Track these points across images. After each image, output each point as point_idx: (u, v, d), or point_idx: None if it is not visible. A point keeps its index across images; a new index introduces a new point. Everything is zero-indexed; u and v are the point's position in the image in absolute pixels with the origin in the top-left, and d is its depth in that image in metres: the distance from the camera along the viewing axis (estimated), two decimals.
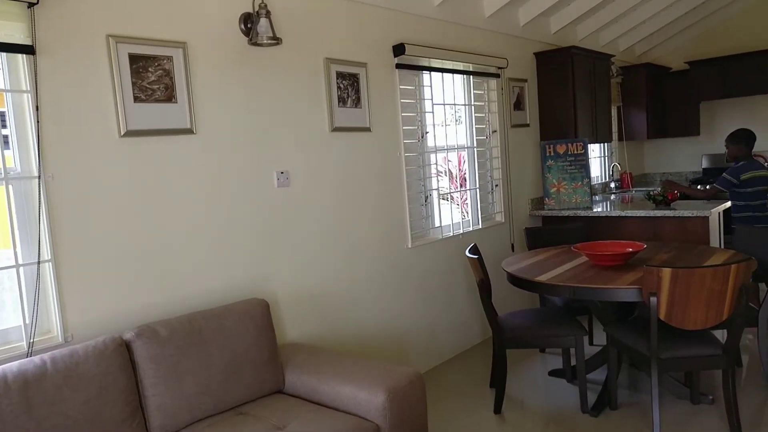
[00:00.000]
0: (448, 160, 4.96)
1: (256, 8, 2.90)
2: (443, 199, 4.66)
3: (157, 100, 2.55)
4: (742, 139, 4.93)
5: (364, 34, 3.71)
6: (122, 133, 2.45)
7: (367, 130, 3.73)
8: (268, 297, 3.10)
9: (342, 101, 3.54)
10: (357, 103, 3.65)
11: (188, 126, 2.69)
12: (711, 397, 3.39)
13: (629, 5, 5.76)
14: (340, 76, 3.53)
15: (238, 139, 2.98)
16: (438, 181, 4.38)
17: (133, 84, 2.45)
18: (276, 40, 2.93)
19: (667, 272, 2.76)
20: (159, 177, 2.64)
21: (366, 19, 3.72)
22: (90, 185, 2.42)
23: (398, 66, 3.95)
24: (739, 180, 4.89)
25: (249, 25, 2.96)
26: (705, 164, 7.35)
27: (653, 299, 2.81)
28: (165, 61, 2.57)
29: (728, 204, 5.02)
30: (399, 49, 3.89)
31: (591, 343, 4.39)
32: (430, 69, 4.25)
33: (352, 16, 3.63)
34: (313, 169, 3.38)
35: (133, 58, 2.46)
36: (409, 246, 4.04)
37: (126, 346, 2.26)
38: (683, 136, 7.36)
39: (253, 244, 3.05)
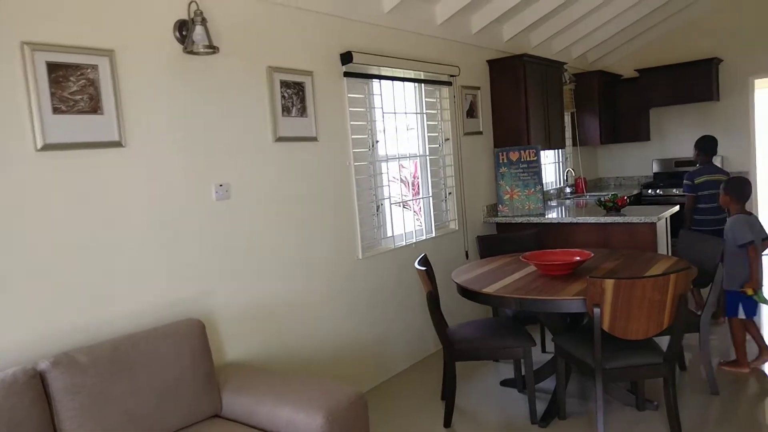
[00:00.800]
0: (403, 167, 4.92)
1: (192, 15, 2.80)
2: (404, 207, 4.61)
3: (80, 112, 2.42)
4: (700, 145, 5.12)
5: (310, 41, 3.63)
6: (39, 147, 2.31)
7: (314, 139, 3.65)
8: (207, 316, 2.99)
9: (286, 110, 3.46)
10: (303, 112, 3.57)
11: (116, 138, 2.57)
12: (656, 403, 3.42)
13: (581, 13, 5.82)
14: (285, 84, 3.44)
15: (173, 152, 2.87)
16: (390, 189, 4.32)
17: (52, 95, 2.32)
18: (213, 49, 2.83)
19: (609, 284, 2.76)
20: (83, 192, 2.50)
21: (312, 27, 3.65)
22: (4, 201, 2.27)
23: (346, 74, 3.88)
24: (694, 183, 5.03)
25: (184, 33, 2.85)
26: (656, 169, 7.48)
27: (597, 310, 2.81)
28: (89, 70, 2.45)
29: (676, 209, 5.10)
30: (347, 57, 3.83)
31: (543, 350, 4.40)
32: (380, 77, 4.20)
33: (298, 23, 3.55)
34: (256, 180, 3.29)
35: (52, 67, 2.33)
36: (360, 257, 3.97)
37: (40, 378, 2.12)
38: (635, 141, 7.49)
39: (189, 260, 2.93)
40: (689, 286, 2.90)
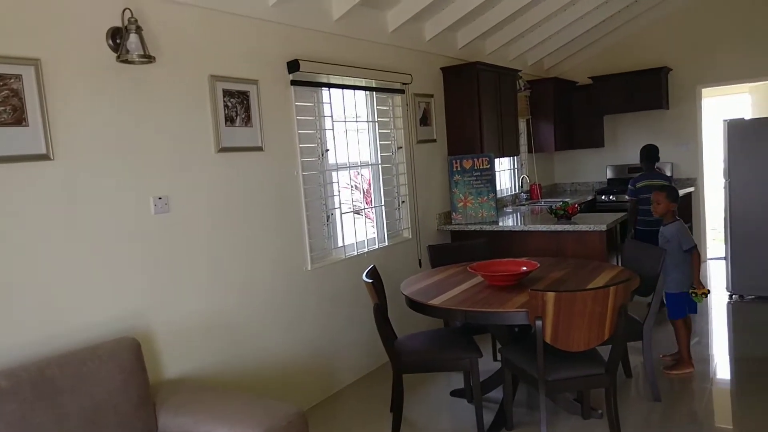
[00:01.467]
0: (360, 174, 4.88)
1: (125, 23, 2.71)
2: (356, 214, 4.57)
3: (3, 124, 2.32)
4: (642, 153, 5.45)
5: (255, 49, 3.57)
6: None
7: (260, 149, 3.59)
8: (145, 332, 2.89)
9: (230, 120, 3.39)
10: (247, 121, 3.50)
11: (43, 151, 2.47)
12: (600, 411, 3.45)
13: (535, 21, 5.88)
14: (228, 93, 3.37)
15: (107, 164, 2.77)
16: (340, 198, 4.27)
17: None
18: (148, 58, 2.75)
19: (551, 296, 2.77)
20: (9, 208, 2.40)
21: (257, 35, 3.59)
22: None
23: (294, 83, 3.83)
24: (635, 188, 5.28)
25: (118, 41, 2.76)
26: (609, 174, 7.61)
27: (539, 323, 2.82)
28: (12, 80, 2.34)
29: (624, 215, 5.18)
30: (293, 66, 3.77)
31: (495, 359, 4.40)
32: (330, 85, 4.15)
33: (242, 31, 3.48)
34: (199, 192, 3.21)
35: None
36: (309, 268, 3.91)
37: None
38: (589, 148, 7.61)
39: (125, 276, 2.84)
40: (629, 297, 2.93)
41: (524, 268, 3.50)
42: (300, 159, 3.88)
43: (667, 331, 4.37)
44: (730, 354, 4.41)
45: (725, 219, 5.61)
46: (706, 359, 4.26)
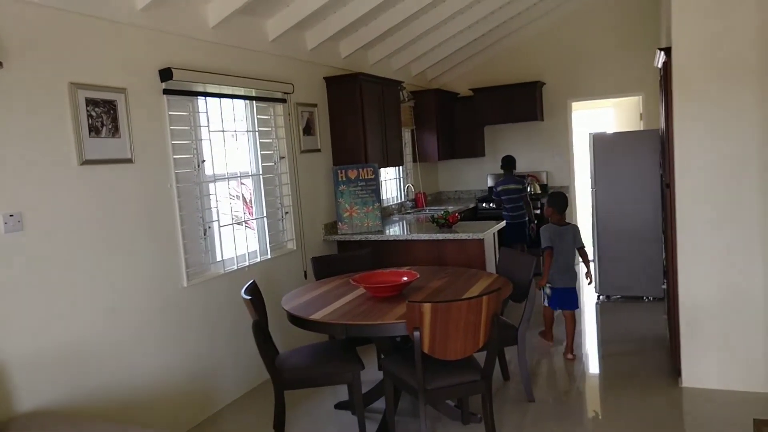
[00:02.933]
0: (242, 184, 4.74)
1: None
2: (239, 225, 4.42)
3: None
4: (503, 162, 6.76)
5: (123, 56, 3.37)
6: None
7: (129, 161, 3.38)
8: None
9: (95, 131, 3.17)
10: (114, 132, 3.29)
11: None
12: (479, 416, 3.56)
13: (417, 33, 6.02)
14: (92, 102, 3.15)
15: None
16: (218, 211, 4.13)
17: None
18: None
19: (427, 307, 2.82)
20: None
21: (126, 41, 3.39)
22: None
23: (166, 92, 3.65)
24: (498, 190, 6.68)
25: None
26: (490, 182, 7.95)
27: (417, 334, 2.86)
28: None
29: (503, 224, 5.43)
30: (166, 74, 3.60)
31: (380, 368, 4.42)
32: (206, 94, 4.01)
33: (108, 36, 3.27)
34: (58, 208, 2.97)
35: None
36: (185, 285, 3.74)
37: None
38: (471, 157, 7.91)
39: None
40: (500, 306, 3.06)
41: (405, 279, 3.56)
42: (174, 171, 3.71)
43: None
44: (598, 352, 4.74)
45: (592, 224, 6.03)
46: (577, 358, 4.54)
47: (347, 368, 3.29)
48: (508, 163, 6.67)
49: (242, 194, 4.75)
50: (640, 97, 7.27)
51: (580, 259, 4.66)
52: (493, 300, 2.93)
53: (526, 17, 7.10)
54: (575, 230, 4.62)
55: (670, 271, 4.06)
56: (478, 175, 8.11)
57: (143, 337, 3.42)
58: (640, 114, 7.36)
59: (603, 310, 5.81)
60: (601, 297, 6.06)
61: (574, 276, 4.60)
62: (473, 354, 3.11)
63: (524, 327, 3.71)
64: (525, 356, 3.74)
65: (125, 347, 3.30)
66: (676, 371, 3.94)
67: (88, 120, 3.13)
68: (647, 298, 5.88)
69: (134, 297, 3.38)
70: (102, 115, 3.21)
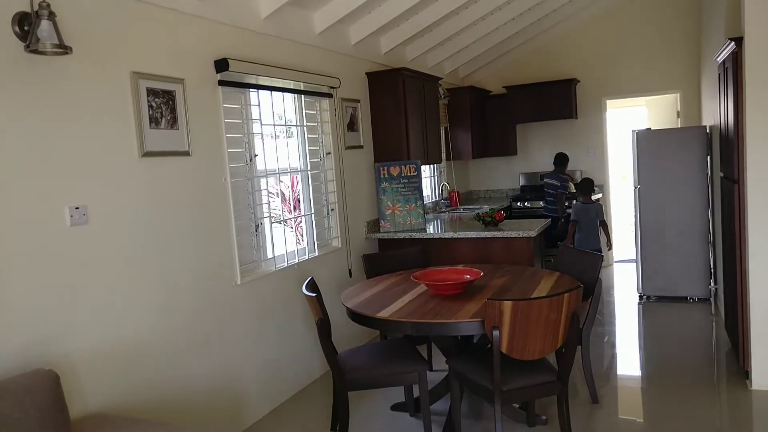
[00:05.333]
0: (280, 181, 4.64)
1: (36, 7, 2.36)
2: (278, 223, 4.32)
3: None
4: (555, 159, 6.92)
5: (181, 46, 3.27)
6: None
7: (186, 154, 3.29)
8: (62, 362, 2.53)
9: (155, 122, 3.07)
10: (173, 124, 3.19)
11: None
12: (544, 417, 3.46)
13: (454, 30, 5.92)
14: (152, 93, 3.05)
15: (12, 169, 2.39)
16: (270, 206, 4.03)
17: None
18: (64, 49, 2.41)
19: (508, 305, 2.71)
20: None
21: (183, 30, 3.29)
22: None
23: (221, 83, 3.56)
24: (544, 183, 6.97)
25: (26, 28, 2.40)
26: (522, 182, 7.84)
27: (496, 333, 2.75)
28: None
29: (548, 222, 5.30)
30: (222, 65, 3.50)
31: (431, 369, 4.30)
32: (258, 87, 3.91)
33: (167, 25, 3.18)
34: (120, 201, 2.87)
35: None
36: (239, 282, 3.64)
37: None
38: (503, 156, 7.79)
39: (37, 298, 2.46)
40: (580, 303, 2.94)
41: (467, 276, 3.44)
42: (228, 165, 3.61)
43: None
44: (652, 353, 4.61)
45: (635, 223, 5.90)
46: (630, 360, 4.42)
47: (414, 368, 3.17)
48: (558, 159, 6.87)
49: (281, 191, 4.65)
50: (677, 94, 7.13)
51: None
52: (574, 297, 2.81)
53: (560, 14, 6.98)
54: (598, 207, 5.98)
55: (733, 272, 3.93)
56: (510, 174, 7.99)
57: (199, 335, 3.32)
58: (677, 112, 7.22)
59: (647, 310, 5.68)
60: (643, 297, 5.92)
61: (596, 241, 5.92)
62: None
63: (589, 327, 3.59)
64: (589, 357, 3.62)
65: (183, 344, 3.20)
66: (743, 373, 3.80)
67: (149, 111, 3.03)
68: (692, 298, 5.74)
69: (191, 292, 3.28)
70: (161, 106, 3.12)
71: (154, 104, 3.07)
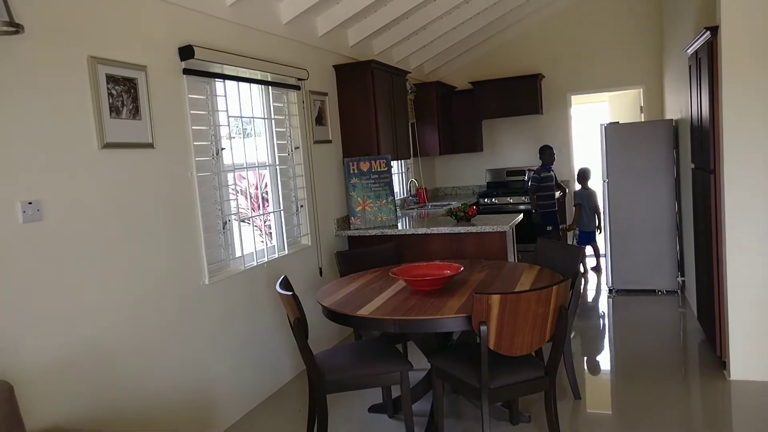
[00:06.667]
0: (243, 178, 4.43)
1: None
2: (245, 221, 4.12)
3: None
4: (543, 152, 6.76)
5: (143, 31, 3.06)
6: None
7: (150, 146, 3.08)
8: (17, 372, 2.30)
9: (116, 111, 2.85)
10: (135, 113, 2.98)
11: None
12: (528, 415, 3.38)
13: (420, 24, 5.83)
14: (113, 80, 2.84)
15: None
16: (237, 203, 3.84)
17: None
18: (15, 27, 2.19)
19: (496, 299, 2.61)
20: None
21: (146, 14, 3.08)
22: None
23: (186, 71, 3.36)
24: (539, 177, 6.60)
25: None
26: (489, 178, 7.80)
27: (483, 328, 2.64)
28: None
29: (521, 217, 5.25)
30: (187, 52, 3.30)
31: (412, 368, 4.18)
32: (224, 77, 3.72)
33: (129, 8, 2.97)
34: (79, 196, 2.65)
35: None
36: (207, 282, 3.44)
37: None
38: (469, 152, 7.73)
39: None
40: (568, 297, 2.86)
41: (447, 272, 3.34)
42: (194, 158, 3.41)
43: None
44: (618, 345, 4.60)
45: (605, 218, 5.92)
46: (606, 353, 4.40)
47: (395, 368, 3.04)
48: (540, 153, 6.76)
49: (248, 187, 4.45)
50: (641, 90, 7.22)
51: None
52: (562, 290, 2.73)
53: (525, 9, 6.98)
54: (594, 194, 6.81)
55: (707, 263, 3.94)
56: (476, 171, 7.94)
57: (164, 338, 3.11)
58: (641, 107, 7.30)
59: (618, 304, 5.69)
60: (613, 291, 5.94)
61: (594, 223, 6.83)
62: None
63: (570, 321, 3.52)
64: (570, 351, 3.56)
65: (148, 348, 2.99)
66: (720, 364, 3.81)
67: (109, 99, 2.81)
68: (660, 291, 5.79)
69: (156, 294, 3.07)
70: (122, 94, 2.90)
71: (114, 92, 2.85)
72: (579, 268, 3.52)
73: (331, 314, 3.08)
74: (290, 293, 2.95)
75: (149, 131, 3.07)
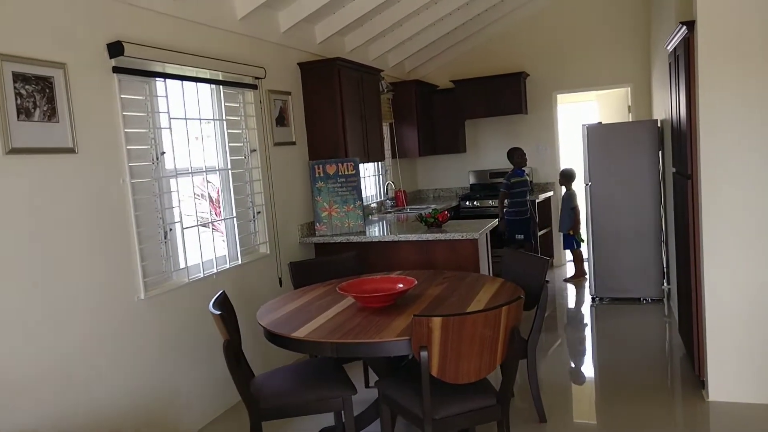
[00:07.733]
0: (208, 182, 4.18)
1: None
2: (204, 227, 3.86)
3: None
4: (513, 155, 6.25)
5: (62, 25, 2.81)
6: None
7: (71, 151, 2.82)
8: None
9: (26, 113, 2.60)
10: (51, 116, 2.72)
11: None
12: None
13: (395, 19, 5.58)
14: (21, 78, 2.58)
15: None
16: (181, 211, 3.58)
17: None
18: None
19: (437, 322, 2.34)
20: None
21: (65, 7, 2.82)
22: None
23: (117, 70, 3.10)
24: (509, 183, 6.10)
25: None
26: (472, 180, 7.53)
27: (424, 354, 2.38)
28: None
29: (495, 222, 4.99)
30: (116, 49, 3.05)
31: (367, 385, 3.93)
32: (166, 75, 3.46)
33: (42, 0, 2.71)
34: None
35: None
36: (142, 297, 3.19)
37: None
38: (452, 153, 7.46)
39: None
40: (521, 316, 2.60)
41: (400, 286, 3.08)
42: (128, 164, 3.15)
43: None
44: (598, 360, 4.34)
45: (586, 222, 5.65)
46: (581, 368, 4.14)
47: (337, 393, 2.78)
48: (514, 154, 6.24)
49: (209, 193, 4.20)
50: (628, 88, 6.94)
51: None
52: (513, 311, 2.47)
53: (508, 5, 6.71)
54: (574, 195, 6.49)
55: (686, 272, 3.68)
56: (459, 173, 7.67)
57: (91, 361, 2.86)
58: (629, 106, 7.03)
59: (600, 312, 5.43)
60: (596, 299, 5.67)
61: (568, 225, 6.54)
62: None
63: (535, 338, 3.27)
64: (536, 371, 3.30)
65: (72, 372, 2.74)
66: (699, 383, 3.55)
67: (17, 99, 2.56)
68: (645, 300, 5.52)
69: (81, 312, 2.82)
70: (34, 94, 2.65)
71: (24, 92, 2.59)
72: (544, 281, 3.25)
73: (269, 335, 2.82)
74: (218, 312, 2.68)
75: (70, 135, 2.81)
